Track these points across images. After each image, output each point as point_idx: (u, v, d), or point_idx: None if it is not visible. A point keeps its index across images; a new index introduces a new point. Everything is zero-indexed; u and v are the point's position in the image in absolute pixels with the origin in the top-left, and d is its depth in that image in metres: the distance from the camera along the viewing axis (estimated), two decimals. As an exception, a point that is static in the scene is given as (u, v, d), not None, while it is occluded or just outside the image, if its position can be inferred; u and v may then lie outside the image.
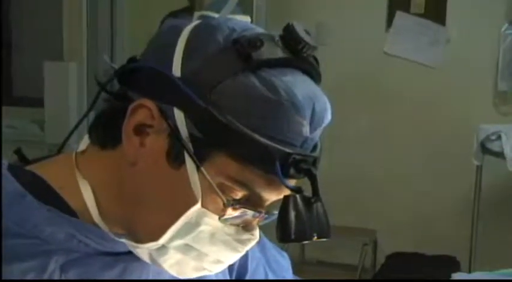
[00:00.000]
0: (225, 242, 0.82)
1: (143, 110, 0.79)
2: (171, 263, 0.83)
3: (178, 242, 0.80)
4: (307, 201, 0.78)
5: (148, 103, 0.79)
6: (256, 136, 0.75)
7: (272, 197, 0.81)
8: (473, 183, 3.47)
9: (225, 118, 0.75)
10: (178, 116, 0.78)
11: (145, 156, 0.80)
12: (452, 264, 3.66)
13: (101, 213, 0.84)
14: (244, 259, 1.02)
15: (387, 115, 4.02)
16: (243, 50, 0.77)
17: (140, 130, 0.80)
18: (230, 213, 0.80)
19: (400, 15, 3.97)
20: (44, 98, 3.91)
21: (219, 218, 0.79)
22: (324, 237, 0.80)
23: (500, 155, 3.24)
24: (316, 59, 0.84)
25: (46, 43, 4.20)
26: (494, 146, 3.28)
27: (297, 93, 0.78)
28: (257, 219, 0.83)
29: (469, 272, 3.28)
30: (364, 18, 4.00)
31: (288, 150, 0.76)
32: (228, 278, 1.00)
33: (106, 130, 0.84)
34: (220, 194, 0.77)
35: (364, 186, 4.05)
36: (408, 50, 3.97)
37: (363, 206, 4.07)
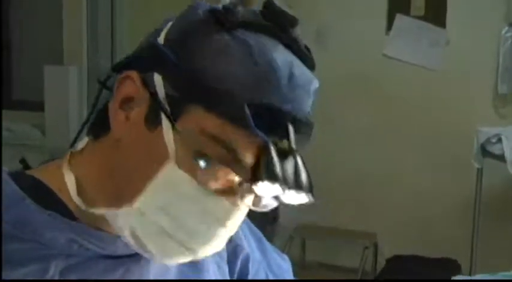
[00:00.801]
0: (204, 211, 0.79)
1: (128, 82, 0.80)
2: (149, 232, 0.79)
3: (154, 207, 0.78)
4: (282, 151, 0.77)
5: (132, 73, 0.80)
6: (230, 90, 0.76)
7: (247, 153, 0.77)
8: (474, 185, 3.47)
9: (199, 75, 0.77)
10: (157, 79, 0.79)
11: (129, 129, 0.80)
12: (453, 267, 3.66)
13: (87, 202, 0.83)
14: (245, 262, 1.02)
15: (387, 118, 4.02)
16: (219, 14, 0.79)
17: (126, 105, 0.81)
18: (207, 174, 0.78)
19: (400, 18, 3.97)
20: (44, 101, 3.92)
21: (196, 179, 0.77)
22: (301, 190, 0.78)
23: (500, 157, 3.24)
24: (299, 40, 0.84)
25: (46, 47, 4.21)
26: (494, 149, 3.28)
27: (273, 54, 0.79)
28: (239, 189, 0.80)
29: (470, 274, 3.28)
30: (364, 20, 4.00)
31: (259, 101, 0.76)
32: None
33: (99, 120, 0.85)
34: (192, 145, 0.76)
35: (365, 189, 4.05)
36: (408, 52, 3.97)
37: (363, 209, 4.07)
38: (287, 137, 0.77)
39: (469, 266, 3.53)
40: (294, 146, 0.77)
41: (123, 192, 0.80)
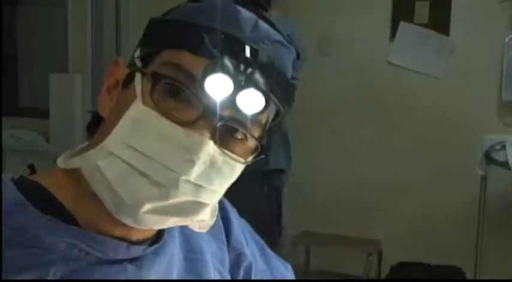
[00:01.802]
0: (173, 145, 0.77)
1: (116, 67, 0.86)
2: (122, 181, 0.78)
3: (121, 143, 0.78)
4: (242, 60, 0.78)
5: (120, 59, 0.86)
6: (191, 23, 0.81)
7: (196, 65, 0.79)
8: (478, 193, 3.47)
9: (166, 23, 0.85)
10: (137, 52, 0.85)
11: (114, 109, 0.83)
12: (458, 274, 3.65)
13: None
14: (248, 271, 1.02)
15: (391, 125, 4.02)
16: None
17: (113, 90, 0.85)
18: (170, 103, 0.79)
19: (404, 26, 3.98)
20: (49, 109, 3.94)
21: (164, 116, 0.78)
22: (255, 87, 0.77)
23: (505, 165, 3.24)
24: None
25: (52, 55, 4.23)
26: (499, 156, 3.28)
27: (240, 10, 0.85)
28: (202, 121, 0.78)
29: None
30: (368, 28, 4.01)
31: (217, 28, 0.80)
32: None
33: (97, 120, 0.87)
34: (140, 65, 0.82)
35: (369, 196, 4.05)
36: (412, 60, 3.97)
37: (367, 216, 4.06)
38: (242, 59, 0.78)
39: (474, 274, 3.52)
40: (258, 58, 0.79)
41: None
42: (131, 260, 0.85)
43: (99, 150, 0.79)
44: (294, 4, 3.56)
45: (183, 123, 0.77)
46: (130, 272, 0.85)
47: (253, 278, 1.03)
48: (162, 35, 0.83)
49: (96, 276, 0.82)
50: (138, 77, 0.81)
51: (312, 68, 3.47)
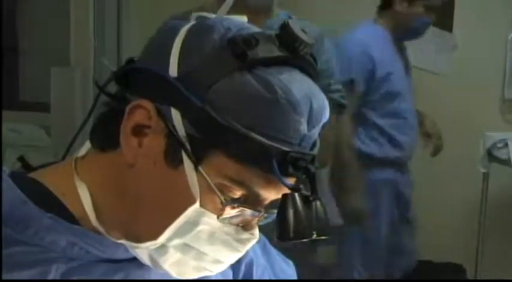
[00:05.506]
0: (224, 242, 0.81)
1: (141, 110, 0.79)
2: (171, 262, 0.82)
3: (177, 242, 0.80)
4: (306, 200, 0.78)
5: (146, 103, 0.79)
6: (253, 135, 0.75)
7: (271, 196, 0.80)
8: (480, 190, 3.46)
9: (221, 117, 0.75)
10: (176, 116, 0.77)
11: (143, 156, 0.80)
12: (458, 271, 3.65)
13: (99, 216, 0.84)
14: (249, 267, 1.01)
15: (393, 122, 4.00)
16: (238, 49, 0.77)
17: (138, 131, 0.80)
18: (229, 212, 0.79)
19: (406, 22, 3.96)
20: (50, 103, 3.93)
21: (218, 217, 0.79)
22: (323, 236, 0.79)
23: (507, 162, 3.24)
24: (314, 58, 0.83)
25: (53, 49, 4.22)
26: (501, 154, 3.28)
27: (294, 90, 0.77)
28: (256, 219, 0.82)
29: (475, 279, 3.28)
30: (370, 24, 3.98)
31: (285, 148, 0.76)
32: None
33: (105, 132, 0.84)
34: (218, 193, 0.77)
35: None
36: (415, 56, 3.94)
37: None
38: (308, 175, 0.78)
39: (474, 271, 3.52)
40: (317, 190, 0.79)
41: (140, 220, 0.81)
42: (131, 259, 0.85)
43: (154, 246, 0.81)
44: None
45: (238, 225, 0.81)
46: (130, 270, 0.85)
47: (254, 273, 1.02)
48: (217, 132, 0.76)
49: (96, 275, 0.82)
50: (189, 167, 0.77)
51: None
